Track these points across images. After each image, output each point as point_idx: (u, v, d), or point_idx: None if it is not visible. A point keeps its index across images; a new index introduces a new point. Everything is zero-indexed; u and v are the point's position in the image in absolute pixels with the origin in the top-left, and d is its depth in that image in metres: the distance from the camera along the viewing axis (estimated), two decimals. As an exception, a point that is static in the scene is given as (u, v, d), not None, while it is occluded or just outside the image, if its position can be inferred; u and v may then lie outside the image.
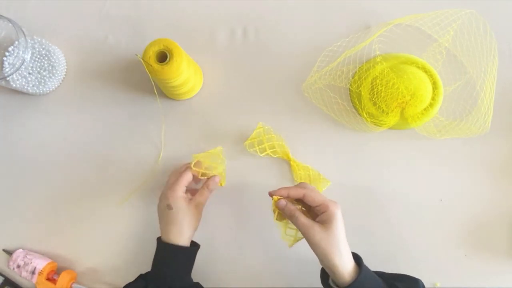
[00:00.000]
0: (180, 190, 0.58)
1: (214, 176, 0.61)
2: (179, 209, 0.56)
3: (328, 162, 0.66)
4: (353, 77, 0.68)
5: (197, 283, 0.58)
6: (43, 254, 0.66)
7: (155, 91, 0.65)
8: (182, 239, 0.56)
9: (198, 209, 0.59)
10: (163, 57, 0.58)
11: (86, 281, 0.65)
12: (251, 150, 0.65)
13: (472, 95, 0.67)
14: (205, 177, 0.61)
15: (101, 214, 0.66)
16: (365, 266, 0.51)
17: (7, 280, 0.65)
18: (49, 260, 0.64)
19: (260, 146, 0.65)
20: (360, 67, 0.67)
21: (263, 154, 0.65)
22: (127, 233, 0.66)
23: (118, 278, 0.65)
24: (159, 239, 0.57)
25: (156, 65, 0.57)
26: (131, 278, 0.57)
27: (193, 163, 0.60)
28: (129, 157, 0.67)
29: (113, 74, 0.70)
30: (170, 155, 0.67)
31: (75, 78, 0.70)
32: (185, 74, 0.60)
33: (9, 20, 0.58)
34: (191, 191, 0.62)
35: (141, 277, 0.58)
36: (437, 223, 0.65)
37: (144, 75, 0.61)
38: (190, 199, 0.59)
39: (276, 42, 0.70)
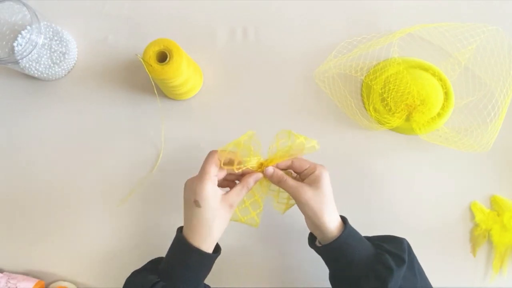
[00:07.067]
0: (210, 181, 0.50)
1: (256, 173, 0.53)
2: (209, 209, 0.49)
3: (327, 161, 0.66)
4: (367, 71, 0.68)
5: (207, 286, 0.54)
6: (28, 274, 0.63)
7: (155, 91, 0.65)
8: (206, 244, 0.50)
9: (231, 209, 0.51)
10: (163, 57, 0.58)
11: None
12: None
13: (482, 113, 0.66)
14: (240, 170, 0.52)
15: (99, 216, 0.66)
16: (350, 225, 0.53)
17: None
18: (36, 280, 0.61)
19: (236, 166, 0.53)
20: (376, 64, 0.68)
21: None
22: (126, 236, 0.66)
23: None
24: (180, 232, 0.52)
25: (156, 65, 0.57)
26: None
27: (222, 160, 0.52)
28: (129, 157, 0.67)
29: (113, 74, 0.70)
30: (170, 155, 0.67)
31: (75, 78, 0.70)
32: (185, 74, 0.60)
33: (24, 4, 0.59)
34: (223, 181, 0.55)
35: (152, 264, 0.53)
36: (438, 224, 0.65)
37: (144, 75, 0.61)
38: (223, 195, 0.51)
39: (276, 42, 0.70)
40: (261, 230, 0.64)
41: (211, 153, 0.52)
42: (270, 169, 0.54)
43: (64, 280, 0.64)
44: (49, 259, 0.65)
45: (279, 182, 0.54)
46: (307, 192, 0.51)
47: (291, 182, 0.53)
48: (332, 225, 0.51)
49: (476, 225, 0.65)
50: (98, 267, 0.65)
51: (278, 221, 0.64)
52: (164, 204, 0.66)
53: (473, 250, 0.64)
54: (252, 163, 0.53)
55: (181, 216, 0.65)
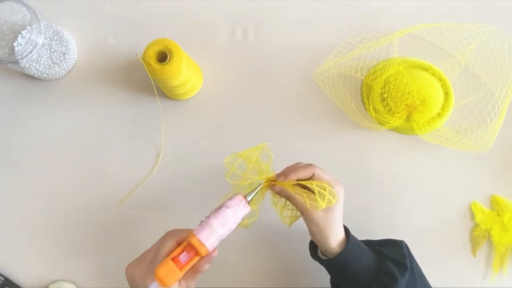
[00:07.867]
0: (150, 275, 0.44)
1: (202, 257, 0.44)
2: None
3: (327, 161, 0.66)
4: (367, 71, 0.68)
5: None
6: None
7: (155, 91, 0.65)
8: None
9: None
10: (163, 57, 0.58)
11: None
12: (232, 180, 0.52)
13: (482, 113, 0.66)
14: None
15: (98, 216, 0.66)
16: (352, 236, 0.52)
17: (7, 280, 0.65)
18: None
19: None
20: (376, 64, 0.68)
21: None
22: (125, 236, 0.66)
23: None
24: None
25: (156, 65, 0.57)
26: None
27: (228, 175, 0.50)
28: (129, 157, 0.67)
29: (113, 74, 0.70)
30: (170, 155, 0.67)
31: (75, 78, 0.70)
32: (185, 74, 0.60)
33: (24, 4, 0.59)
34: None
35: None
36: (438, 224, 0.65)
37: (144, 75, 0.61)
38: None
39: (276, 42, 0.70)
40: (262, 230, 0.65)
41: (166, 237, 0.47)
42: (277, 188, 0.51)
43: (64, 280, 0.64)
44: (48, 259, 0.65)
45: (288, 198, 0.52)
46: (317, 212, 0.49)
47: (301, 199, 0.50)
48: (336, 242, 0.50)
49: (476, 225, 0.65)
50: (98, 267, 0.65)
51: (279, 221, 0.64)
52: (164, 204, 0.66)
53: (473, 250, 0.64)
54: (260, 180, 0.51)
55: (181, 216, 0.66)
